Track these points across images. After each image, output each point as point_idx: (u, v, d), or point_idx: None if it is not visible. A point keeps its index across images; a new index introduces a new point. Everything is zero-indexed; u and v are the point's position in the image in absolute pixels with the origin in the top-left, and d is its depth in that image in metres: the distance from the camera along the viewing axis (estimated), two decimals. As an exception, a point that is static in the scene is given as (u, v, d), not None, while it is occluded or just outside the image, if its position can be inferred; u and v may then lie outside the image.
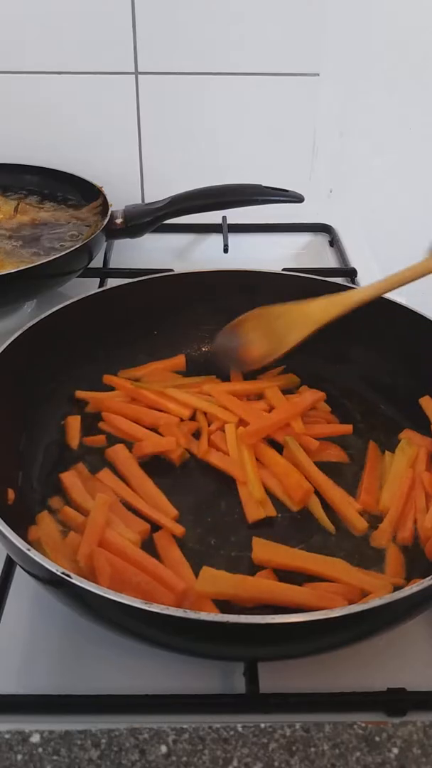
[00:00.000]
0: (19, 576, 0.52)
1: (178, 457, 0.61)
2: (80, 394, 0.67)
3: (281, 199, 0.91)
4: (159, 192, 0.90)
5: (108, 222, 0.84)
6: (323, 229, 1.04)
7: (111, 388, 0.69)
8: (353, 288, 0.69)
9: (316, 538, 0.55)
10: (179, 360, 0.73)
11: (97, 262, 0.89)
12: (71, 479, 0.58)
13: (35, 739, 0.41)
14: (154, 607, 0.39)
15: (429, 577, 0.42)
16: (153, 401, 0.66)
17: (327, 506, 0.57)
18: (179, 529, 0.54)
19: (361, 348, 0.71)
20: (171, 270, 0.79)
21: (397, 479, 0.58)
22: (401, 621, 0.45)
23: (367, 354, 0.71)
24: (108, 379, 0.69)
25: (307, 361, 0.71)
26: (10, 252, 0.82)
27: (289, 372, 0.71)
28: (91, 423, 0.65)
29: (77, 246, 0.78)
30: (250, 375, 0.70)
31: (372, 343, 0.71)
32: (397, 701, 0.46)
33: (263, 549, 0.52)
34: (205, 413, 0.65)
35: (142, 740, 0.40)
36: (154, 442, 0.62)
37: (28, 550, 0.43)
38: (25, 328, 0.62)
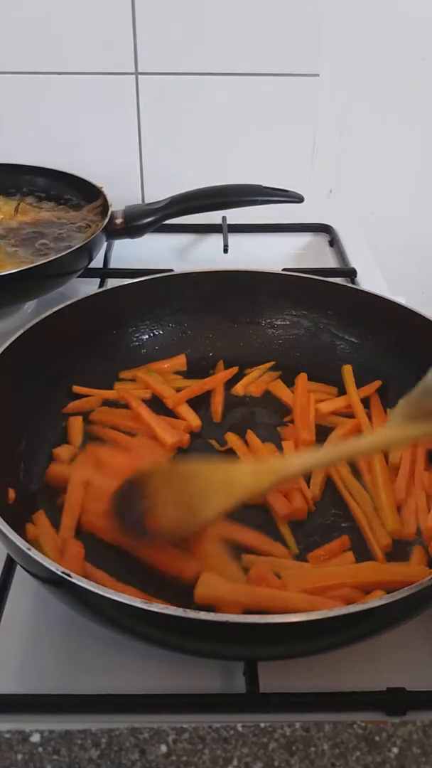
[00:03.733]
0: (20, 575, 0.52)
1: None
2: (77, 388, 0.67)
3: (281, 199, 0.91)
4: (159, 192, 0.91)
5: (108, 222, 0.84)
6: (323, 229, 1.04)
7: (110, 387, 0.69)
8: (288, 458, 0.58)
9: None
10: (180, 360, 0.73)
11: (97, 263, 0.89)
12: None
13: (35, 738, 0.41)
14: (154, 607, 0.39)
15: (428, 578, 0.42)
16: (147, 431, 0.64)
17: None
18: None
19: (360, 345, 0.72)
20: (171, 270, 0.79)
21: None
22: (401, 621, 0.45)
23: (365, 351, 0.71)
24: (100, 393, 0.68)
25: (304, 356, 0.72)
26: (10, 252, 0.82)
27: (287, 366, 0.72)
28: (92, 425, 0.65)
29: (77, 246, 0.78)
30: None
31: (370, 341, 0.71)
32: (396, 701, 0.45)
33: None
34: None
35: (142, 740, 0.40)
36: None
37: (29, 549, 0.43)
38: (26, 328, 0.62)
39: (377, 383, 0.68)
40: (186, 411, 0.67)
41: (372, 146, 1.06)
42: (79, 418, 0.65)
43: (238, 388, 0.70)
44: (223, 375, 0.71)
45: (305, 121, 1.02)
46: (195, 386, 0.69)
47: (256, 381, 0.71)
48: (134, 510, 0.51)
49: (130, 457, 0.60)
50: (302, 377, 0.69)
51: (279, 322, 0.75)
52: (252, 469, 0.52)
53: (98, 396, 0.67)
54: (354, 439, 0.54)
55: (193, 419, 0.66)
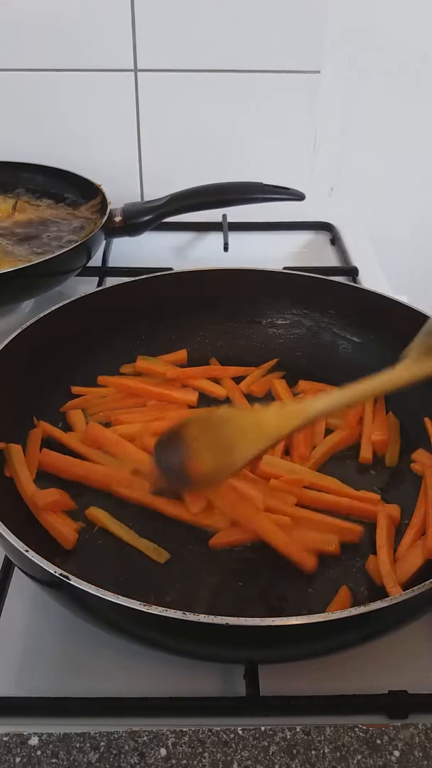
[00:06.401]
0: (18, 577, 0.51)
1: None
2: (76, 389, 0.67)
3: (282, 197, 0.91)
4: (158, 190, 0.90)
5: (107, 220, 0.84)
6: (324, 227, 1.04)
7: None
8: (310, 400, 0.55)
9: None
10: (181, 354, 0.72)
11: (95, 261, 0.88)
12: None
13: (34, 741, 0.41)
14: (153, 609, 0.39)
15: (429, 581, 0.41)
16: (157, 394, 0.66)
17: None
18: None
19: (361, 345, 0.71)
20: (170, 269, 0.78)
21: None
22: (402, 624, 0.45)
23: (367, 351, 0.71)
24: (103, 379, 0.68)
25: (305, 356, 0.72)
26: (8, 251, 0.82)
27: (288, 366, 0.72)
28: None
29: (76, 245, 0.77)
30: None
31: (372, 340, 0.70)
32: (398, 704, 0.45)
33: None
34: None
35: (141, 743, 0.40)
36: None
37: (26, 551, 0.42)
38: (23, 327, 0.62)
39: None
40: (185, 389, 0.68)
41: (373, 144, 1.05)
42: (80, 411, 0.65)
43: (241, 388, 0.70)
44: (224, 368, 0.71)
45: (306, 118, 1.01)
46: (198, 369, 0.70)
47: (259, 381, 0.70)
48: (175, 458, 0.54)
49: (145, 415, 0.64)
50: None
51: (280, 321, 0.74)
52: (278, 413, 0.54)
53: (96, 393, 0.67)
54: (375, 377, 0.52)
55: (192, 394, 0.67)
